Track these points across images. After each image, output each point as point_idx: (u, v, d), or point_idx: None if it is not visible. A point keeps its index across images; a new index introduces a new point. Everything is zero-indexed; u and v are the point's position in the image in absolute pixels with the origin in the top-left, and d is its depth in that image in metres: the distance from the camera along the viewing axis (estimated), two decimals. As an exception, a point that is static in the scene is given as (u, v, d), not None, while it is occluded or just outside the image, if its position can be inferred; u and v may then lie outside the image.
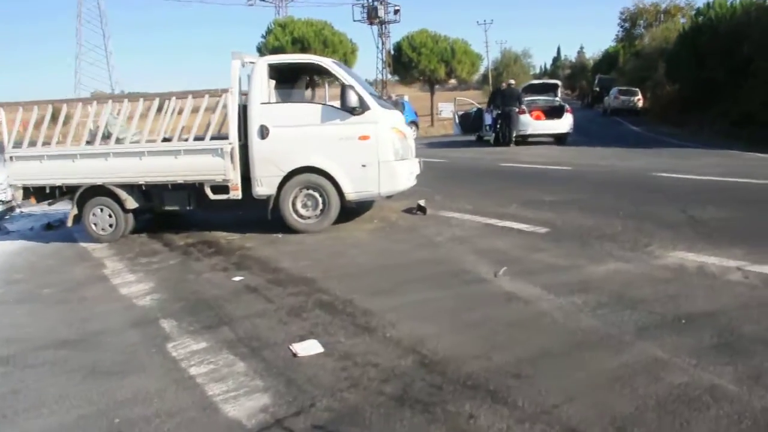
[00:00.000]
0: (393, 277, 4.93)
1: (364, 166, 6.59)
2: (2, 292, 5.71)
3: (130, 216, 7.28)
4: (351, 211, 7.28)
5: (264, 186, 6.77)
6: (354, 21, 35.98)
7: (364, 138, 6.58)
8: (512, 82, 17.62)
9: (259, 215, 6.88)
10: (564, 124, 16.62)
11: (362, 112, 6.57)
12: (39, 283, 5.91)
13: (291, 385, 3.19)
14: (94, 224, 7.24)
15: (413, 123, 23.95)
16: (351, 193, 6.67)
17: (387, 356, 3.42)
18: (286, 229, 6.80)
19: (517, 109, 16.27)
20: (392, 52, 37.69)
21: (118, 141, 7.15)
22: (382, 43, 37.14)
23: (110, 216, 7.18)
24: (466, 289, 4.48)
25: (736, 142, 15.25)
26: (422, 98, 38.59)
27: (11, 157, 7.36)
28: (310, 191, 6.72)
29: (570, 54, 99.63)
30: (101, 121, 7.25)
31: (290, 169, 6.67)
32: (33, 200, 7.60)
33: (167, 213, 7.47)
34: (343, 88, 6.57)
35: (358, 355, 3.47)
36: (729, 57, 19.40)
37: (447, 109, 32.58)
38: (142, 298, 5.05)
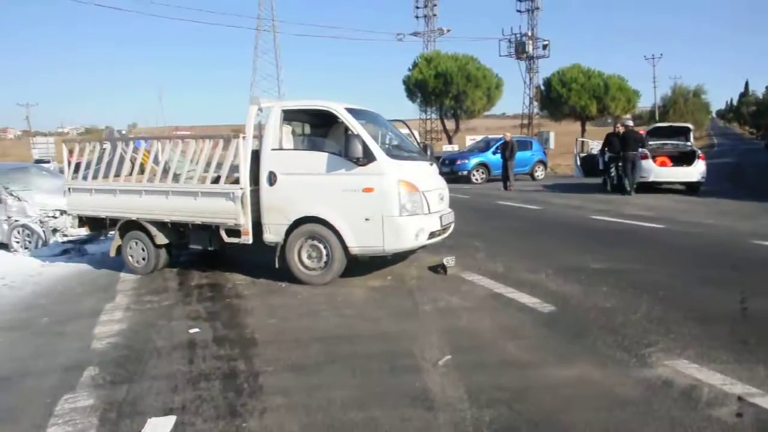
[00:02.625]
0: (331, 351, 4.46)
1: (367, 219, 6.16)
2: (11, 318, 6.05)
3: (163, 251, 7.48)
4: (379, 261, 6.89)
5: (272, 233, 6.60)
6: (500, 56, 35.28)
7: (368, 190, 6.15)
8: (630, 123, 15.92)
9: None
10: (694, 172, 14.69)
11: (367, 163, 6.16)
12: (49, 311, 6.24)
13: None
14: (131, 256, 7.55)
15: (541, 162, 22.77)
16: (354, 247, 6.26)
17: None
18: (295, 278, 6.55)
19: (638, 154, 14.70)
20: (541, 87, 36.38)
21: (176, 178, 7.28)
22: (530, 79, 35.99)
23: (143, 250, 7.43)
24: (383, 380, 3.89)
25: None
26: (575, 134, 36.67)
27: (69, 189, 7.94)
28: (315, 242, 6.42)
29: (759, 89, 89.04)
30: (166, 158, 7.45)
31: (295, 218, 6.44)
32: (86, 229, 8.10)
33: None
34: (348, 136, 6.21)
35: (190, 447, 3.10)
36: None
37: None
38: (103, 340, 5.08)
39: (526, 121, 36.69)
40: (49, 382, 4.19)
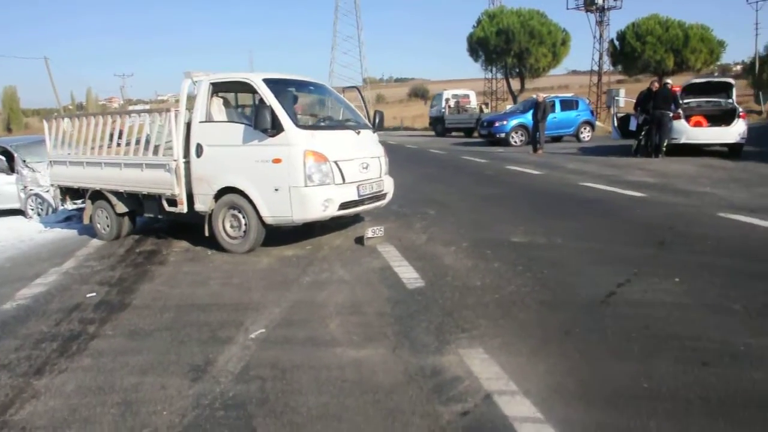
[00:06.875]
0: (177, 318, 4.77)
1: (276, 190, 6.36)
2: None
3: (126, 219, 8.03)
4: (315, 229, 7.23)
5: (201, 203, 6.95)
6: (568, 9, 33.41)
7: (277, 161, 6.33)
8: (668, 82, 14.83)
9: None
10: (732, 132, 13.58)
11: (276, 134, 6.31)
12: (3, 274, 6.92)
13: None
14: (98, 224, 8.18)
15: (587, 123, 21.75)
16: (268, 216, 6.50)
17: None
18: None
19: (670, 114, 13.78)
20: (614, 41, 34.24)
21: (156, 149, 7.66)
22: (600, 33, 33.93)
23: (107, 218, 8.02)
24: (187, 349, 4.12)
25: None
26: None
27: (50, 162, 8.64)
28: (235, 212, 6.70)
29: None
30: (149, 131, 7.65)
31: (218, 189, 6.74)
32: (67, 198, 8.78)
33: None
34: (257, 108, 6.38)
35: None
36: None
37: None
38: (15, 302, 5.61)
39: (596, 79, 34.72)
40: None
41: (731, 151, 14.06)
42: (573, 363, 3.56)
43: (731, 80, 15.45)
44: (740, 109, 14.08)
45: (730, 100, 14.51)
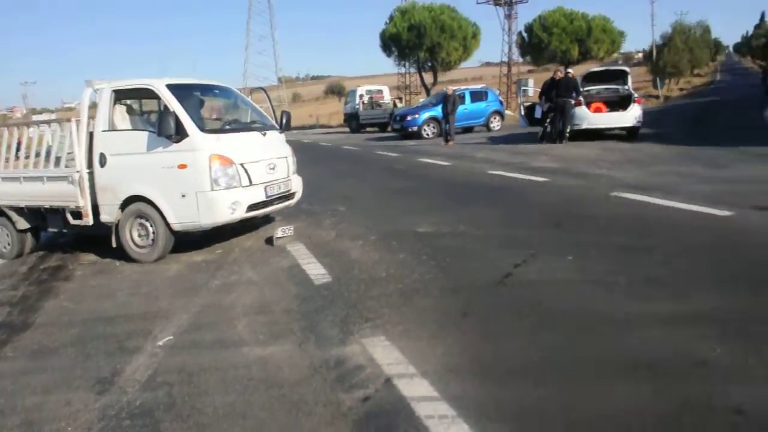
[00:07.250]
0: (83, 334, 4.68)
1: (183, 196, 6.33)
2: None
3: (28, 236, 7.71)
4: (225, 232, 7.19)
5: (106, 214, 6.80)
6: (478, 3, 34.41)
7: (182, 167, 6.30)
8: (570, 71, 15.67)
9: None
10: (628, 116, 14.51)
11: (180, 140, 6.27)
12: None
13: None
14: (-3, 242, 7.80)
15: (496, 113, 22.53)
16: (175, 223, 6.44)
17: None
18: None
19: (572, 101, 14.50)
20: (523, 33, 35.56)
21: (57, 160, 7.36)
22: (508, 26, 35.15)
23: (7, 236, 7.68)
24: (93, 363, 4.10)
25: None
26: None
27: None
28: (142, 220, 6.60)
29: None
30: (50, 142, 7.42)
31: (124, 198, 6.62)
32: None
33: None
34: (161, 113, 6.33)
35: None
36: None
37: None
38: None
39: (506, 70, 36.02)
40: None
41: (629, 134, 14.96)
42: (469, 343, 3.78)
43: (626, 68, 16.47)
44: (635, 95, 15.03)
45: (626, 87, 15.47)
